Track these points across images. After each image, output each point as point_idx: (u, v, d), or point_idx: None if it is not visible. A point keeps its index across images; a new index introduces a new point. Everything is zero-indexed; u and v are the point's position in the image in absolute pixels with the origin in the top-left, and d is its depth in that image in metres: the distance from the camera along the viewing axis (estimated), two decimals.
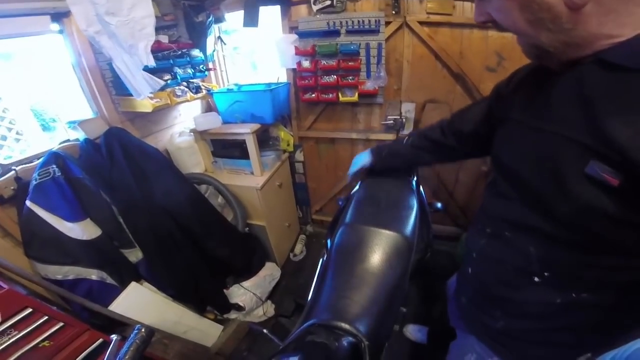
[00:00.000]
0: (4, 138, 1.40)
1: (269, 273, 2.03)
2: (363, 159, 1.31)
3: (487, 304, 0.74)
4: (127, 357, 0.72)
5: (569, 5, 0.45)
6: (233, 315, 1.86)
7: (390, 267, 1.11)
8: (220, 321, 1.82)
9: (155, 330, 1.39)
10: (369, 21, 1.75)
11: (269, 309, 1.98)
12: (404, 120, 2.05)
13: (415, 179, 1.53)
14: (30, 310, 1.03)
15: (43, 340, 1.05)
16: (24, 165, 1.31)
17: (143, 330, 0.83)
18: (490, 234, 0.70)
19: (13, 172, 1.26)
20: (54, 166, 1.33)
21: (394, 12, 1.74)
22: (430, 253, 1.66)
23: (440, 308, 1.48)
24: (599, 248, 0.52)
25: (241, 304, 1.82)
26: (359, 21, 1.76)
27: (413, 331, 1.80)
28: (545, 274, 0.59)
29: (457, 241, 2.20)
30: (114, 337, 0.81)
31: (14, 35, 1.31)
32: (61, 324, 1.10)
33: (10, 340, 0.97)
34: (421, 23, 1.74)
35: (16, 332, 0.99)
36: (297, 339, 0.98)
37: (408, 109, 2.04)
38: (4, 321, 0.97)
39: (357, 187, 1.50)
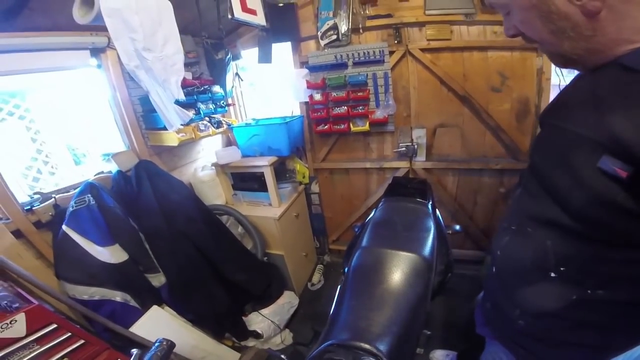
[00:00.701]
0: (40, 172, 1.55)
1: (288, 301, 2.00)
2: None
3: (508, 303, 0.74)
4: None
5: (585, 13, 0.48)
6: (251, 342, 1.82)
7: (410, 287, 1.11)
8: (238, 349, 1.77)
9: (174, 350, 1.39)
10: (374, 52, 1.90)
11: (287, 337, 1.92)
12: (416, 146, 2.10)
13: (430, 202, 1.55)
14: (54, 326, 1.07)
15: (63, 357, 1.07)
16: (62, 195, 1.44)
17: (165, 342, 0.86)
18: (514, 230, 0.72)
19: (52, 199, 1.40)
20: (89, 195, 1.46)
21: (396, 41, 1.89)
22: (451, 274, 1.61)
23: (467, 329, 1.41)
24: (612, 241, 0.53)
25: (259, 331, 1.79)
26: (364, 53, 1.92)
27: (441, 356, 1.71)
28: (561, 268, 0.60)
29: (482, 264, 2.10)
30: (134, 351, 0.84)
31: (55, 69, 1.47)
32: (82, 341, 1.12)
33: (31, 355, 1.00)
34: (423, 50, 1.87)
35: (38, 346, 1.02)
36: (314, 357, 0.97)
37: (419, 135, 2.10)
38: (28, 335, 1.00)
39: (372, 213, 1.54)
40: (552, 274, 0.61)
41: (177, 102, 1.39)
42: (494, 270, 0.79)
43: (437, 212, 1.68)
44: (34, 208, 1.34)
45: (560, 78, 1.56)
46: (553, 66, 1.66)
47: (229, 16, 1.41)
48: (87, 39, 1.42)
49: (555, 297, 0.63)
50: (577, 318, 0.62)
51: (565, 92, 0.68)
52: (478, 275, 2.15)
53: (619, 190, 0.48)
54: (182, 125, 1.46)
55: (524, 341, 0.73)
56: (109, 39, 1.50)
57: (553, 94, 1.76)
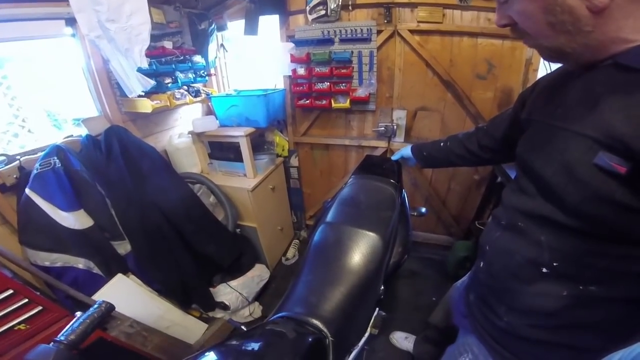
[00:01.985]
0: (16, 135, 1.52)
1: (257, 274, 2.05)
2: (405, 151, 1.45)
3: (494, 299, 0.75)
4: (81, 327, 0.77)
5: (590, 9, 0.47)
6: (219, 314, 1.88)
7: (363, 266, 1.13)
8: (206, 320, 1.83)
9: (133, 320, 1.42)
10: (362, 30, 1.83)
11: (257, 310, 1.99)
12: (395, 127, 2.09)
13: (398, 183, 1.55)
14: (11, 291, 1.07)
15: (19, 323, 1.08)
16: (28, 156, 1.40)
17: (103, 305, 0.87)
18: (505, 225, 0.72)
19: (17, 161, 1.35)
20: (55, 158, 1.42)
21: (385, 21, 1.81)
22: (407, 256, 1.66)
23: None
24: (607, 236, 0.54)
25: (227, 302, 1.84)
26: (352, 30, 1.84)
27: (400, 339, 1.79)
28: (554, 264, 0.60)
29: (449, 250, 2.17)
30: (78, 313, 0.85)
31: (31, 37, 1.44)
32: (40, 307, 1.13)
33: None
34: (412, 31, 1.80)
35: None
36: (258, 326, 1.01)
37: (400, 116, 2.07)
38: None
39: (341, 189, 1.54)
40: (545, 270, 0.62)
41: (145, 70, 1.33)
42: (481, 265, 0.79)
43: (404, 192, 1.70)
44: None
45: (548, 69, 1.54)
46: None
47: None
48: (62, 9, 1.37)
49: (545, 293, 0.63)
50: (566, 316, 0.62)
51: (553, 90, 0.68)
52: (444, 260, 2.22)
53: (616, 186, 0.49)
54: (142, 92, 1.41)
55: (505, 339, 0.73)
56: None
57: None
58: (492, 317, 0.75)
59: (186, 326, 1.69)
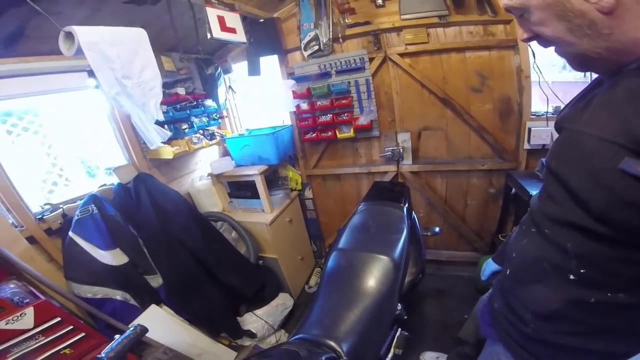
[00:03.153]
0: (55, 184, 1.74)
1: (281, 302, 2.08)
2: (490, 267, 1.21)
3: (520, 305, 0.74)
4: (119, 346, 0.87)
5: (600, 10, 0.48)
6: (247, 342, 1.92)
7: (376, 288, 1.18)
8: (235, 348, 1.87)
9: (167, 347, 1.50)
10: (355, 60, 1.98)
11: (283, 337, 2.01)
12: (401, 150, 2.14)
13: (406, 205, 1.59)
14: (59, 319, 1.21)
15: (65, 348, 1.20)
16: (69, 205, 1.62)
17: (138, 328, 0.98)
18: (533, 233, 0.71)
19: (61, 209, 1.57)
20: (93, 205, 1.62)
21: (375, 48, 1.95)
22: (422, 275, 1.63)
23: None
24: (635, 243, 0.53)
25: (253, 330, 1.89)
26: (345, 61, 2.00)
27: (430, 359, 1.72)
28: (581, 270, 0.59)
29: (476, 266, 2.08)
30: (117, 336, 0.96)
31: (57, 91, 1.61)
32: (83, 334, 1.26)
33: (36, 345, 1.14)
34: (401, 55, 1.92)
35: (43, 337, 1.16)
36: (274, 347, 1.06)
37: (404, 139, 2.14)
38: (35, 327, 1.14)
39: (351, 216, 1.61)
40: (572, 276, 0.61)
41: (158, 122, 1.53)
42: (508, 272, 0.79)
43: (414, 215, 1.72)
44: (44, 217, 1.52)
45: (540, 76, 1.58)
46: (531, 64, 1.68)
47: (208, 36, 1.51)
48: (83, 61, 1.44)
49: (572, 299, 0.62)
50: (593, 322, 0.61)
51: (581, 98, 0.67)
52: (472, 277, 2.14)
53: None
54: (162, 143, 1.59)
55: (531, 345, 0.72)
56: None
57: (534, 92, 1.75)
58: (518, 324, 0.74)
59: (216, 354, 1.74)
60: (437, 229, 1.81)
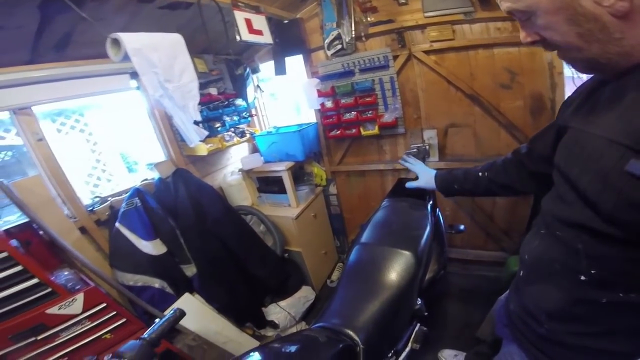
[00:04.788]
0: (99, 179, 1.92)
1: (304, 295, 2.17)
2: (425, 180, 1.37)
3: (534, 307, 0.74)
4: (159, 328, 0.97)
5: (613, 14, 0.47)
6: (269, 332, 2.02)
7: (396, 281, 1.21)
8: (258, 338, 1.98)
9: (196, 335, 1.62)
10: (378, 58, 1.99)
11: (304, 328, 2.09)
12: (427, 147, 2.12)
13: (430, 202, 1.60)
14: (104, 305, 1.34)
15: (106, 333, 1.33)
16: (116, 198, 1.79)
17: (177, 311, 1.08)
18: (544, 234, 0.72)
19: (108, 202, 1.75)
20: (137, 198, 1.78)
21: (400, 45, 1.95)
22: (444, 272, 1.63)
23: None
24: None
25: (276, 321, 1.98)
26: (369, 59, 2.01)
27: (449, 357, 1.73)
28: (592, 271, 0.60)
29: (503, 266, 2.04)
30: (157, 320, 1.06)
31: (100, 93, 1.73)
32: (124, 319, 1.38)
33: (82, 330, 1.26)
34: (426, 52, 1.91)
35: (89, 322, 1.28)
36: (296, 333, 1.13)
37: (430, 136, 2.12)
38: (83, 312, 1.26)
39: (374, 212, 1.64)
40: (583, 277, 0.61)
41: (196, 122, 1.64)
42: (521, 274, 0.80)
43: (438, 211, 1.72)
44: (95, 209, 1.69)
45: (573, 71, 1.51)
46: None
47: (237, 39, 1.58)
48: (126, 65, 1.56)
49: (584, 300, 0.62)
50: (606, 323, 0.61)
51: (587, 96, 0.67)
52: (499, 277, 2.09)
53: None
54: (200, 141, 1.71)
55: (546, 346, 0.72)
56: None
57: (568, 88, 1.68)
58: (532, 324, 0.74)
59: (241, 342, 1.85)
60: (461, 227, 1.79)
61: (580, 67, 0.60)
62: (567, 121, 0.72)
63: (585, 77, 1.63)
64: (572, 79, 1.55)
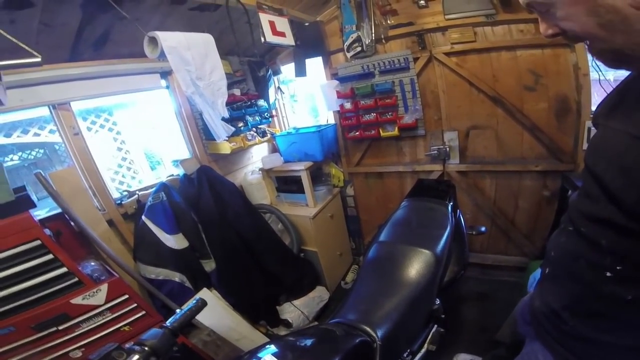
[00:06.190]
0: (124, 176, 2.01)
1: (318, 295, 2.18)
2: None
3: (559, 304, 0.74)
4: (182, 317, 0.98)
5: (634, 6, 0.46)
6: (282, 331, 2.02)
7: (415, 279, 1.21)
8: (270, 337, 1.98)
9: (211, 330, 1.64)
10: (399, 60, 2.00)
11: None
12: (448, 149, 2.12)
13: (451, 203, 1.59)
14: (126, 296, 1.36)
15: (125, 325, 1.34)
16: (142, 192, 1.86)
17: (199, 301, 1.10)
18: (570, 231, 0.71)
19: (136, 195, 1.82)
20: (163, 193, 1.84)
21: (420, 48, 1.96)
22: (463, 272, 1.61)
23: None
24: None
25: (290, 320, 1.99)
26: (389, 61, 2.03)
27: None
28: (617, 267, 0.59)
29: (524, 271, 1.99)
30: (177, 310, 1.09)
31: (133, 91, 1.81)
32: (143, 312, 1.40)
33: (102, 321, 1.27)
34: (447, 54, 1.91)
35: (110, 314, 1.29)
36: (312, 327, 1.13)
37: (451, 138, 2.11)
38: (105, 303, 1.27)
39: (394, 211, 1.64)
40: (608, 274, 0.60)
41: (224, 119, 1.70)
42: (547, 271, 0.80)
43: (459, 212, 1.70)
44: (122, 202, 1.77)
45: (599, 73, 1.48)
46: (590, 61, 1.58)
47: (262, 40, 1.64)
48: (157, 64, 1.70)
49: (610, 296, 0.61)
50: (631, 319, 0.61)
51: (617, 93, 0.67)
52: (519, 282, 2.04)
53: None
54: (226, 137, 1.76)
55: (570, 342, 0.71)
56: None
57: (594, 90, 1.65)
58: (557, 321, 0.74)
59: (254, 340, 1.85)
60: (482, 228, 1.77)
61: (607, 60, 0.58)
62: (596, 118, 0.71)
63: (612, 78, 1.59)
64: (599, 81, 1.52)
